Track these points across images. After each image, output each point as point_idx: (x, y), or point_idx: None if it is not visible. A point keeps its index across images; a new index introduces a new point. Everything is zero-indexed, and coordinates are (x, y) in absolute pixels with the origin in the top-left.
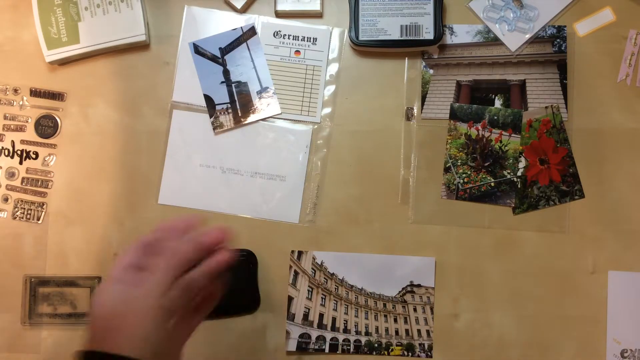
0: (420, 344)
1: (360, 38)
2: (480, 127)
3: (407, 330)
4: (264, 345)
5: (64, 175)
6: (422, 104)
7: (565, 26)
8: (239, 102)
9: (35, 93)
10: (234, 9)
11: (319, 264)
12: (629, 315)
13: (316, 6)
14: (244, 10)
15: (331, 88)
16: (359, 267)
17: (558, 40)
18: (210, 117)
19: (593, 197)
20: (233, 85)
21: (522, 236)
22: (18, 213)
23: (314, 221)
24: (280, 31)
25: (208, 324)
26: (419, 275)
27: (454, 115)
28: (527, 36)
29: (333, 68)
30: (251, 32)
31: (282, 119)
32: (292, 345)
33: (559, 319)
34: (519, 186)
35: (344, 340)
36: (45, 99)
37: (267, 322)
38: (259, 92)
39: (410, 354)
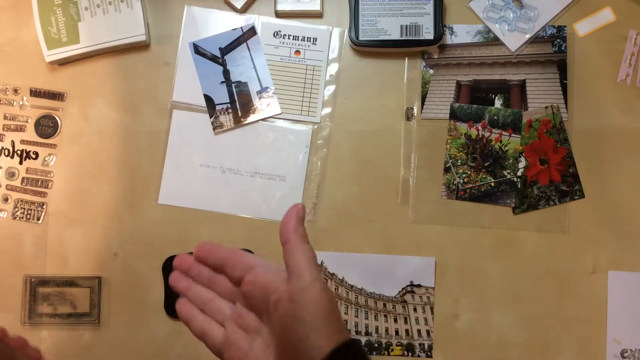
0: (420, 344)
1: (360, 38)
2: (480, 127)
3: (407, 330)
4: None
5: (64, 175)
6: (422, 104)
7: (565, 26)
8: (239, 102)
9: (35, 93)
10: (234, 9)
11: (319, 264)
12: (629, 315)
13: (316, 6)
14: (244, 10)
15: (331, 88)
16: (359, 267)
17: (558, 40)
18: (210, 117)
19: (593, 197)
20: (233, 85)
21: (522, 236)
22: (18, 213)
23: (314, 221)
24: (280, 31)
25: None
26: (419, 275)
27: (454, 115)
28: (527, 36)
29: (333, 68)
30: (251, 32)
31: (282, 119)
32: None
33: (559, 319)
34: (519, 186)
35: None
36: (45, 99)
37: None
38: (259, 92)
39: (410, 354)
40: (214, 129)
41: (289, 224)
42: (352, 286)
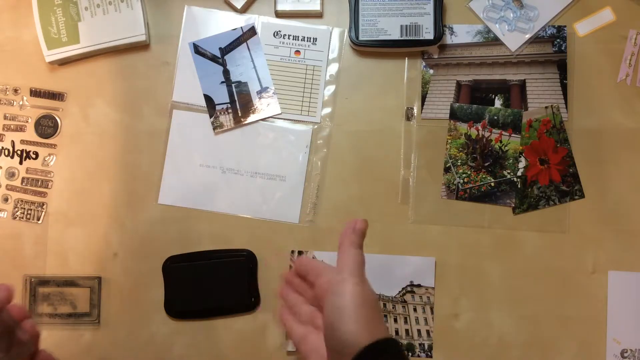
0: (420, 344)
1: (360, 38)
2: (480, 127)
3: (407, 330)
4: (264, 345)
5: (64, 175)
6: (422, 104)
7: (565, 26)
8: (239, 102)
9: (35, 93)
10: (234, 9)
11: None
12: (629, 315)
13: (316, 6)
14: (244, 10)
15: (331, 88)
16: None
17: (558, 40)
18: (210, 117)
19: (593, 197)
20: (233, 85)
21: (522, 236)
22: (18, 213)
23: (314, 221)
24: (280, 31)
25: (208, 324)
26: (419, 275)
27: (454, 115)
28: (527, 36)
29: (333, 68)
30: (251, 32)
31: (282, 119)
32: (292, 345)
33: (559, 319)
34: (519, 186)
35: None
36: (45, 99)
37: (267, 322)
38: (259, 92)
39: (410, 354)
40: (214, 129)
41: (346, 231)
42: None
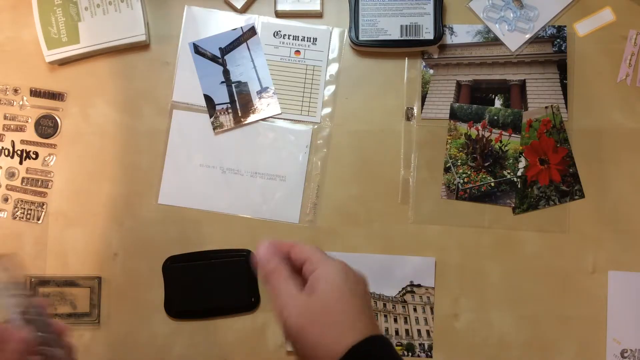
0: (420, 344)
1: (360, 38)
2: (480, 127)
3: (407, 330)
4: (264, 345)
5: (64, 175)
6: (422, 104)
7: (565, 26)
8: (239, 102)
9: (35, 93)
10: (234, 9)
11: None
12: (629, 315)
13: (316, 6)
14: (244, 10)
15: (331, 88)
16: (359, 267)
17: (558, 40)
18: (210, 117)
19: (593, 197)
20: (233, 85)
21: (522, 236)
22: (18, 213)
23: (314, 221)
24: (280, 31)
25: (208, 324)
26: (419, 275)
27: (454, 115)
28: (527, 36)
29: (333, 68)
30: (251, 32)
31: (282, 119)
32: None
33: (559, 319)
34: (519, 186)
35: None
36: (45, 99)
37: (267, 322)
38: (259, 92)
39: (410, 354)
40: (214, 129)
41: (263, 269)
42: None
